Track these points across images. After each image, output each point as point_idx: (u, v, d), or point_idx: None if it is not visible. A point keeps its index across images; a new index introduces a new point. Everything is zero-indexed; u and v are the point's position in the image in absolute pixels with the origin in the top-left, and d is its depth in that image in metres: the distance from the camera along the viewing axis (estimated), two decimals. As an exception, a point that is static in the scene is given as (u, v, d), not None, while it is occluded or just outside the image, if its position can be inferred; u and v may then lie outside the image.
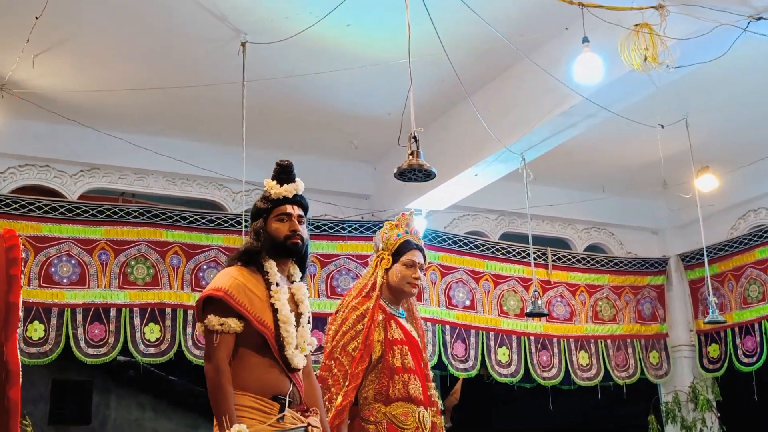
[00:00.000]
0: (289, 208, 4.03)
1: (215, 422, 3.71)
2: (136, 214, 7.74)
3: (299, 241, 4.00)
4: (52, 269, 7.40)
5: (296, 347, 3.87)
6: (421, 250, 4.94)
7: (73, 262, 7.48)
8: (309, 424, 3.87)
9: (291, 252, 4.01)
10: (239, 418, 3.66)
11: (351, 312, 4.71)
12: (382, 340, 4.70)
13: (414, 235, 4.98)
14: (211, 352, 3.75)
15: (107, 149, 7.70)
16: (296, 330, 3.91)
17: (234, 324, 3.75)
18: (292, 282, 4.08)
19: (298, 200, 4.08)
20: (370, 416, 4.61)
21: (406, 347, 4.75)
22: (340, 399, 4.48)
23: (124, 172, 7.97)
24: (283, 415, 3.77)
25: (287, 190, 4.06)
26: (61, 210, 7.51)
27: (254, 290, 3.86)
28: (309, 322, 4.05)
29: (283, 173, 4.11)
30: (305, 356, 3.96)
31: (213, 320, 3.76)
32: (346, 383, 4.53)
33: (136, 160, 7.81)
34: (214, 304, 3.79)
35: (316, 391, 4.17)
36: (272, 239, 3.97)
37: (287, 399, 3.82)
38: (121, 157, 7.78)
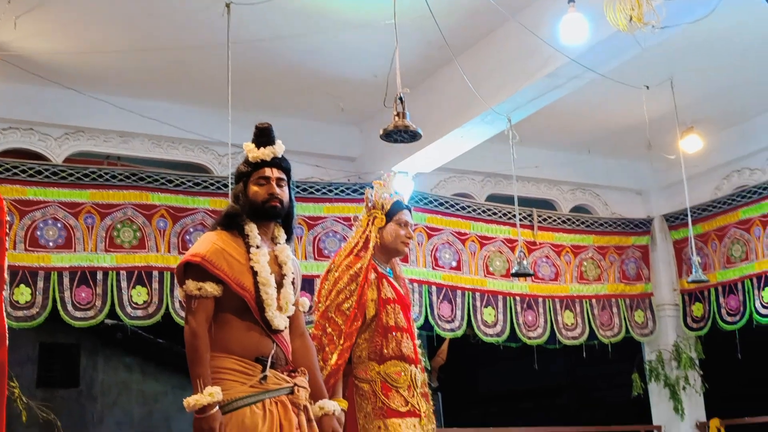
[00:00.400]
0: (267, 171, 4.03)
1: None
2: (121, 177, 7.72)
3: (278, 204, 4.01)
4: (38, 233, 7.39)
5: (278, 308, 3.90)
6: (409, 209, 5.01)
7: (59, 225, 7.47)
8: (296, 384, 3.89)
9: (270, 215, 4.03)
10: (220, 380, 3.71)
11: (345, 272, 4.73)
12: (375, 299, 4.74)
13: (402, 196, 5.04)
14: (189, 316, 3.80)
15: (92, 112, 7.66)
16: (278, 292, 3.94)
17: (211, 288, 3.79)
18: (276, 244, 4.09)
19: (277, 163, 4.08)
20: (364, 375, 4.65)
21: (398, 306, 4.81)
22: (335, 358, 4.52)
23: (109, 135, 7.93)
24: (266, 375, 3.79)
25: (264, 153, 4.05)
26: (46, 173, 7.48)
27: (233, 254, 3.88)
28: (293, 284, 4.06)
29: (262, 136, 4.10)
30: (289, 317, 3.99)
31: (191, 285, 3.80)
32: (341, 342, 4.57)
33: (121, 123, 7.77)
34: (192, 270, 3.83)
35: (310, 351, 4.18)
36: (251, 203, 3.99)
37: (270, 360, 3.84)
38: (106, 119, 7.74)
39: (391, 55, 5.79)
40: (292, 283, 4.06)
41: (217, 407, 3.63)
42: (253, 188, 4.01)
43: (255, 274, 3.87)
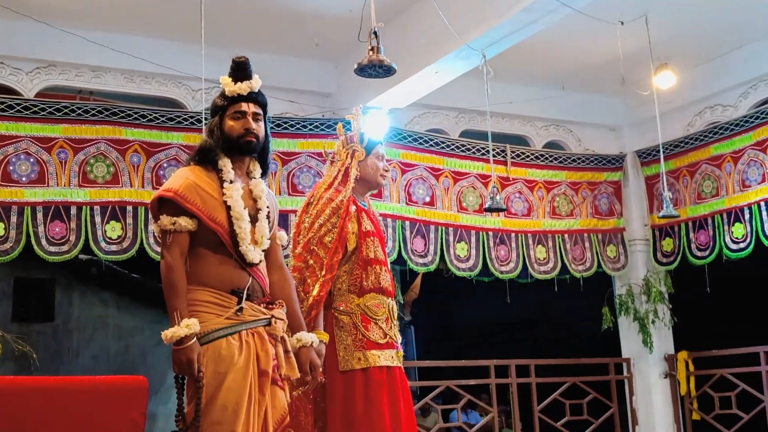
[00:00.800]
0: (244, 106, 4.04)
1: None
2: (94, 111, 7.67)
3: (253, 139, 4.03)
4: (11, 167, 7.35)
5: (252, 242, 3.93)
6: (383, 143, 5.07)
7: (31, 160, 7.43)
8: (273, 316, 3.93)
9: (245, 150, 4.04)
10: (196, 312, 3.75)
11: (326, 204, 4.76)
12: (356, 231, 4.78)
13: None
14: (164, 250, 3.84)
15: (64, 46, 7.58)
16: (253, 225, 3.97)
17: (185, 222, 3.83)
18: (251, 179, 4.11)
19: (254, 98, 4.08)
20: (344, 307, 4.71)
21: (377, 239, 4.87)
22: (317, 289, 4.56)
23: (81, 69, 7.86)
24: (241, 307, 3.83)
25: (241, 87, 4.05)
26: (18, 108, 7.42)
27: (207, 189, 3.90)
28: (268, 218, 4.08)
29: (239, 70, 4.09)
30: (265, 251, 4.03)
31: (165, 220, 3.83)
32: (323, 274, 4.61)
33: (94, 57, 7.70)
34: (166, 205, 3.86)
35: (288, 284, 4.22)
36: (226, 137, 4.01)
37: (245, 292, 3.88)
38: (78, 54, 7.67)
39: (366, -10, 5.77)
40: (267, 216, 4.08)
41: (195, 338, 3.67)
42: (229, 122, 4.02)
43: (228, 208, 3.89)
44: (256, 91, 4.09)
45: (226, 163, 3.99)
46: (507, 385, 9.00)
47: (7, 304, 11.86)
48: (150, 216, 7.56)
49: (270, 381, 3.84)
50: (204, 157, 4.01)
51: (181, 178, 3.91)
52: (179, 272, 3.80)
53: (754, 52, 8.55)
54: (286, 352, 3.97)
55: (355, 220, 4.80)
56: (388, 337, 4.74)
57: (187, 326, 3.65)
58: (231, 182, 3.96)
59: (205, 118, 7.45)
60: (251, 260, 3.92)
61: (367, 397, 4.57)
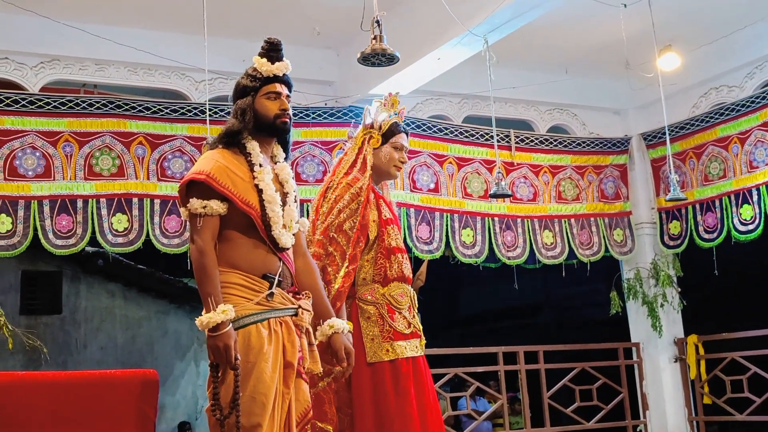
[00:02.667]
0: (278, 87, 3.99)
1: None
2: (98, 105, 7.67)
3: (288, 120, 3.99)
4: (17, 162, 7.36)
5: (283, 226, 3.87)
6: (406, 133, 4.99)
7: (37, 154, 7.44)
8: (300, 307, 3.88)
9: (280, 131, 4.00)
10: (228, 295, 3.69)
11: (345, 189, 4.70)
12: (376, 219, 4.74)
13: (402, 118, 5.00)
14: (195, 234, 3.74)
15: (67, 40, 7.57)
16: (282, 209, 3.90)
17: (217, 206, 3.75)
18: (275, 163, 4.05)
19: (286, 79, 4.04)
20: (370, 297, 4.66)
21: (396, 227, 4.83)
22: (340, 281, 4.51)
23: (85, 63, 7.86)
24: (272, 293, 3.78)
25: (279, 68, 4.00)
26: (23, 102, 7.43)
27: (237, 172, 3.83)
28: (296, 201, 4.04)
29: (274, 51, 4.02)
30: (294, 235, 3.97)
31: (195, 203, 3.74)
32: (346, 265, 4.55)
33: (97, 51, 7.69)
34: (196, 188, 3.77)
35: (314, 271, 4.15)
36: (260, 118, 3.94)
37: (277, 278, 3.82)
38: (82, 47, 7.66)
39: (368, -23, 5.75)
40: (295, 200, 4.04)
41: (231, 325, 3.60)
42: (265, 102, 3.96)
43: (260, 191, 3.84)
44: (288, 73, 4.05)
45: (254, 146, 3.93)
46: (515, 372, 9.01)
47: (15, 297, 11.90)
48: (155, 208, 7.64)
49: (295, 373, 3.78)
50: (231, 141, 3.93)
51: (211, 161, 3.82)
52: (211, 256, 3.71)
53: (759, 31, 8.50)
54: (309, 344, 3.91)
55: (375, 208, 4.76)
56: (412, 326, 4.73)
57: (223, 312, 3.57)
58: (260, 165, 3.89)
59: (210, 109, 7.45)
60: (284, 245, 3.86)
61: (396, 389, 4.54)
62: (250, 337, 3.67)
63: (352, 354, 4.19)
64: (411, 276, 4.84)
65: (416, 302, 4.89)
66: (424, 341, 4.83)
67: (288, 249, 3.92)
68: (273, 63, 3.99)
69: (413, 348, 4.68)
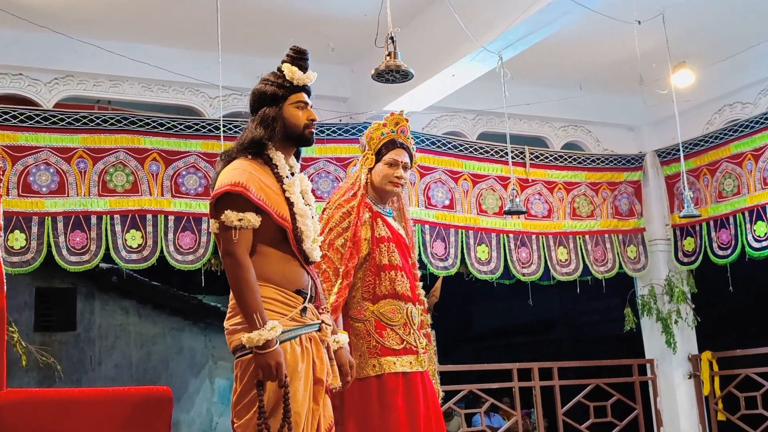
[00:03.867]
0: (304, 96, 3.90)
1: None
2: (113, 121, 7.70)
3: (314, 131, 3.91)
4: (31, 178, 7.39)
5: (312, 240, 3.80)
6: (406, 148, 4.93)
7: (51, 170, 7.47)
8: (322, 321, 3.85)
9: (308, 141, 3.90)
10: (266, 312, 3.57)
11: (336, 210, 4.74)
12: (369, 238, 4.75)
13: (401, 134, 4.95)
14: (231, 248, 3.59)
15: (81, 56, 7.62)
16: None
17: (253, 219, 3.61)
18: (292, 174, 3.92)
19: (309, 90, 3.95)
20: (359, 315, 4.70)
21: (393, 244, 4.82)
22: (334, 297, 4.52)
23: (99, 79, 7.89)
24: (305, 307, 3.72)
25: (309, 77, 3.91)
26: (37, 118, 7.46)
27: (268, 183, 3.72)
28: (315, 215, 3.96)
29: (303, 59, 3.92)
30: None
31: (231, 216, 3.59)
32: (339, 281, 4.57)
33: (111, 67, 7.73)
34: (231, 199, 3.62)
35: (319, 286, 4.05)
36: (290, 127, 3.83)
37: (309, 293, 3.77)
38: (96, 63, 7.70)
39: (381, -6, 5.76)
40: (315, 214, 3.97)
41: (278, 342, 3.51)
42: (294, 111, 3.84)
43: (291, 204, 3.74)
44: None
45: (279, 157, 3.81)
46: (530, 388, 8.97)
47: (29, 314, 11.90)
48: (168, 224, 7.64)
49: (323, 389, 3.72)
50: (259, 151, 3.79)
51: (243, 172, 3.67)
52: (251, 270, 3.57)
53: (773, 48, 8.49)
54: (330, 359, 3.86)
55: (369, 226, 4.77)
56: (405, 342, 4.71)
57: (272, 328, 3.47)
58: (287, 177, 3.79)
59: (224, 125, 7.46)
60: (314, 258, 3.80)
61: (381, 404, 4.55)
62: (286, 355, 3.57)
63: (354, 367, 4.18)
64: (410, 293, 4.81)
65: (422, 320, 4.87)
66: (423, 359, 4.79)
67: (315, 263, 3.87)
68: (304, 72, 3.90)
69: (405, 363, 4.67)
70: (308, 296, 3.76)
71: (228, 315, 3.73)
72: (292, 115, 3.84)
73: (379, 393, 4.57)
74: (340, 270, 4.60)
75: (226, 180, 3.65)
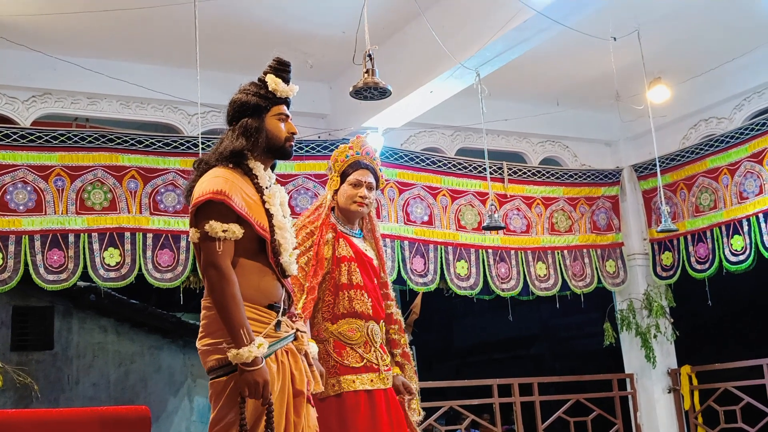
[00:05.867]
0: (285, 109, 3.85)
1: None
2: (90, 139, 7.67)
3: (293, 145, 3.88)
4: (8, 197, 7.34)
5: (289, 254, 3.74)
6: (371, 169, 4.97)
7: (28, 188, 7.43)
8: (297, 329, 3.77)
9: (287, 154, 3.85)
10: None
11: (300, 230, 4.77)
12: (329, 257, 4.78)
13: (366, 156, 4.99)
14: (217, 260, 3.48)
15: (58, 74, 7.60)
16: None
17: (237, 230, 3.52)
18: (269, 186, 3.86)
19: (290, 102, 3.92)
20: (318, 335, 4.71)
21: (355, 264, 4.83)
22: (298, 310, 4.50)
23: (77, 97, 7.87)
24: (279, 321, 3.62)
25: (292, 89, 3.88)
26: (14, 136, 7.41)
27: (248, 193, 3.64)
28: (292, 228, 3.88)
29: (286, 71, 3.88)
30: None
31: (216, 226, 3.48)
32: (303, 297, 4.61)
33: (89, 85, 7.71)
34: (214, 209, 3.52)
35: (293, 298, 3.99)
36: (272, 139, 3.78)
37: (282, 306, 3.68)
38: (73, 81, 7.68)
39: (359, 11, 5.79)
40: (291, 226, 3.90)
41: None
42: (276, 123, 3.79)
43: (270, 216, 3.67)
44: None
45: (259, 168, 3.74)
46: (510, 404, 8.97)
47: (6, 333, 11.82)
48: (147, 242, 7.60)
49: (305, 400, 3.66)
50: (239, 161, 3.71)
51: (226, 180, 3.59)
52: (237, 285, 3.47)
53: (747, 64, 8.55)
54: (309, 365, 3.78)
55: (330, 246, 4.81)
56: (365, 360, 4.70)
57: (259, 345, 3.40)
58: (267, 188, 3.74)
59: (202, 143, 7.45)
60: (291, 272, 3.73)
61: (340, 423, 4.55)
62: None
63: (324, 375, 4.21)
64: (371, 311, 4.79)
65: (377, 337, 4.81)
66: (384, 375, 4.76)
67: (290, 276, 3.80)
68: (286, 84, 3.85)
69: (366, 381, 4.67)
70: (281, 309, 3.68)
71: (200, 334, 3.63)
72: (274, 127, 3.80)
73: (338, 412, 4.57)
74: (305, 286, 4.64)
75: (208, 188, 3.56)
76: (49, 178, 7.50)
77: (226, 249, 3.51)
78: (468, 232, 9.00)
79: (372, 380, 4.70)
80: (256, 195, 3.69)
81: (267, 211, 3.69)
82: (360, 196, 4.88)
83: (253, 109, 3.78)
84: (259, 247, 3.66)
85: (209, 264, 3.50)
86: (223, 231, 3.50)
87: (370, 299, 4.81)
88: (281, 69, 3.89)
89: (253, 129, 3.74)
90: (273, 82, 3.83)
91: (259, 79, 3.90)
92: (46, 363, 12.19)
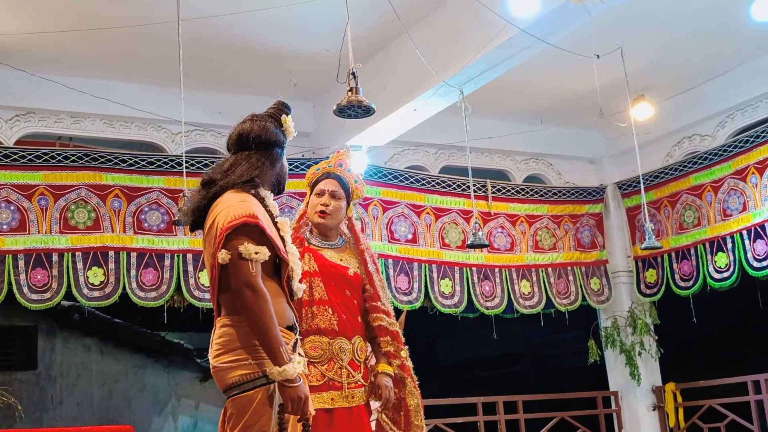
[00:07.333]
0: None
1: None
2: (74, 158, 7.66)
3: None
4: (-9, 216, 7.33)
5: (298, 279, 3.87)
6: (338, 179, 4.97)
7: (12, 208, 7.40)
8: (299, 354, 3.79)
9: (281, 192, 4.07)
10: (259, 350, 3.53)
11: None
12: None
13: (339, 168, 5.01)
14: (252, 281, 3.50)
15: (42, 93, 7.59)
16: None
17: (266, 253, 3.57)
18: None
19: None
20: None
21: (318, 278, 4.77)
22: None
23: (61, 116, 7.86)
24: (297, 341, 3.71)
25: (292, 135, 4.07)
26: (-2, 156, 7.41)
27: (268, 219, 3.75)
28: None
29: (289, 114, 4.09)
30: None
31: (250, 248, 3.52)
32: None
33: (72, 103, 7.70)
34: (247, 231, 3.57)
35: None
36: (282, 176, 4.01)
37: (297, 328, 3.78)
38: (57, 100, 7.67)
39: (343, 29, 5.80)
40: None
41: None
42: (285, 162, 4.02)
43: (284, 242, 3.78)
44: None
45: (269, 197, 3.87)
46: (495, 422, 8.96)
47: (-11, 353, 11.76)
48: (131, 261, 7.57)
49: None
50: (257, 188, 3.81)
51: (255, 204, 3.69)
52: (271, 304, 3.51)
53: (730, 81, 8.60)
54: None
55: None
56: (326, 378, 4.63)
57: (299, 362, 3.49)
58: (278, 216, 3.86)
59: (186, 161, 7.44)
60: (297, 296, 3.86)
61: None
62: (273, 395, 3.54)
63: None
64: (337, 328, 4.71)
65: (343, 355, 4.72)
66: (348, 392, 4.68)
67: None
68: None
69: (326, 400, 4.59)
70: (298, 330, 3.77)
71: (217, 352, 3.64)
72: (285, 166, 4.01)
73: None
74: None
75: (242, 211, 3.61)
76: (33, 197, 7.48)
77: (258, 271, 3.56)
78: (452, 250, 9.00)
79: (333, 398, 4.63)
80: (272, 222, 3.80)
81: (282, 238, 3.79)
82: (322, 204, 4.87)
83: (276, 143, 3.94)
84: (274, 270, 3.73)
85: (245, 284, 3.52)
86: (256, 253, 3.54)
87: (335, 315, 4.74)
88: (288, 112, 4.07)
89: (273, 161, 3.92)
90: (289, 124, 4.03)
91: (274, 116, 4.03)
92: (30, 383, 12.10)
